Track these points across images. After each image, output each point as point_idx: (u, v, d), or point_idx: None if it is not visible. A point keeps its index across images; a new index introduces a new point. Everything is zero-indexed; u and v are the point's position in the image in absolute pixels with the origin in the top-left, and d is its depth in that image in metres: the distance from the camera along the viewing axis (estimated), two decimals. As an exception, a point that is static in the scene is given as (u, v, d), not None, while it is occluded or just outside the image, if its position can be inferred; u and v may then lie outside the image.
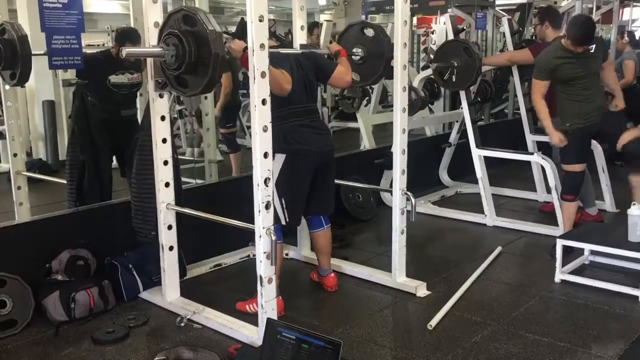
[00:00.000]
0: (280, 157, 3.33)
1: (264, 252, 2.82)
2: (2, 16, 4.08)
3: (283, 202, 3.39)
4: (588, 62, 4.20)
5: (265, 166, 2.77)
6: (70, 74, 4.55)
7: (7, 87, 4.13)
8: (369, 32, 3.87)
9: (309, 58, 3.54)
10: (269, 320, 2.55)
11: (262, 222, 2.80)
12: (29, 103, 6.94)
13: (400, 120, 3.57)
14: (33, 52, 3.55)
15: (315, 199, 3.57)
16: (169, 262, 3.45)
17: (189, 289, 3.64)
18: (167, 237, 3.41)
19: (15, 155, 4.30)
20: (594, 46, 4.19)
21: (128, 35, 4.23)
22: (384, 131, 6.29)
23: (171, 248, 3.44)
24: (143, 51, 3.05)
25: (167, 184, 3.36)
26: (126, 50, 2.84)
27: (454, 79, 4.93)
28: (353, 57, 3.82)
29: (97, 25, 10.23)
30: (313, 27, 6.11)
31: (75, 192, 4.02)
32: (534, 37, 7.77)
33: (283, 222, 3.43)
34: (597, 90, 4.29)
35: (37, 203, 4.70)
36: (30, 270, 3.38)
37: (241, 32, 2.94)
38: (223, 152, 7.37)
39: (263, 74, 2.69)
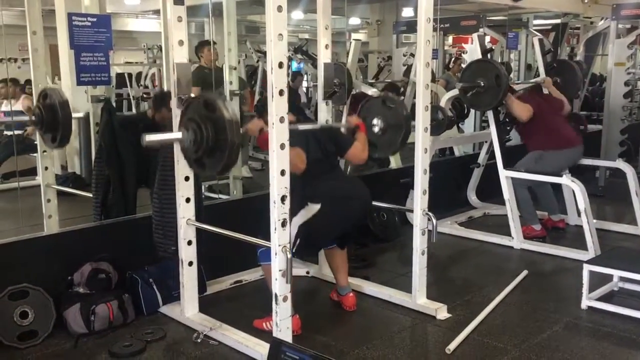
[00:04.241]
0: (314, 207, 3.32)
1: (280, 270, 2.82)
2: (38, 32, 4.17)
3: (297, 240, 3.31)
4: None
5: (282, 184, 2.77)
6: (99, 90, 4.62)
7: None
8: (390, 104, 3.89)
9: (326, 132, 3.63)
10: (274, 339, 2.53)
11: (278, 239, 2.80)
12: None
13: (421, 140, 3.54)
14: (73, 116, 3.69)
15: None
16: (188, 277, 3.47)
17: (208, 304, 3.65)
18: (187, 253, 3.43)
19: (46, 168, 4.39)
20: None
21: (165, 101, 4.06)
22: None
23: (190, 263, 3.46)
24: (164, 137, 3.14)
25: (187, 200, 3.38)
26: (147, 139, 2.92)
27: (479, 99, 4.88)
28: (373, 128, 3.84)
29: (137, 44, 10.51)
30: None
31: (100, 205, 4.08)
32: (568, 57, 7.67)
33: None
34: None
35: (68, 216, 4.77)
36: (53, 282, 3.43)
37: (262, 109, 3.01)
38: (253, 170, 7.43)
39: (281, 92, 2.71)
